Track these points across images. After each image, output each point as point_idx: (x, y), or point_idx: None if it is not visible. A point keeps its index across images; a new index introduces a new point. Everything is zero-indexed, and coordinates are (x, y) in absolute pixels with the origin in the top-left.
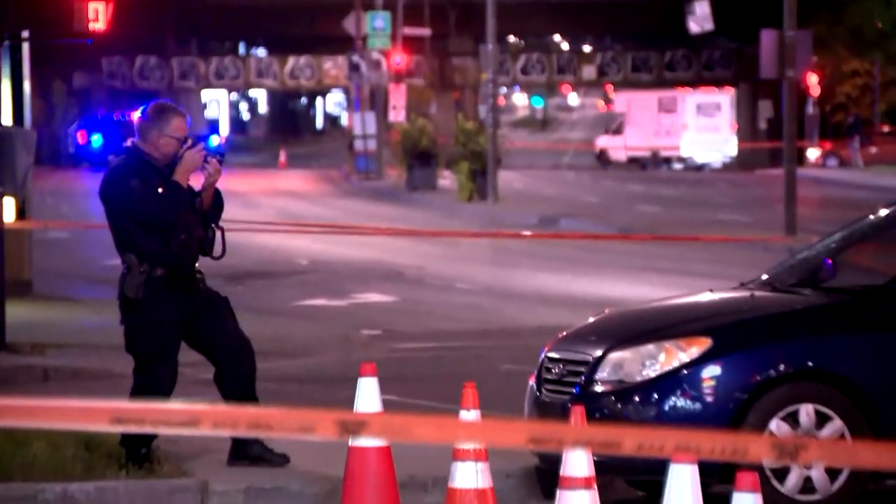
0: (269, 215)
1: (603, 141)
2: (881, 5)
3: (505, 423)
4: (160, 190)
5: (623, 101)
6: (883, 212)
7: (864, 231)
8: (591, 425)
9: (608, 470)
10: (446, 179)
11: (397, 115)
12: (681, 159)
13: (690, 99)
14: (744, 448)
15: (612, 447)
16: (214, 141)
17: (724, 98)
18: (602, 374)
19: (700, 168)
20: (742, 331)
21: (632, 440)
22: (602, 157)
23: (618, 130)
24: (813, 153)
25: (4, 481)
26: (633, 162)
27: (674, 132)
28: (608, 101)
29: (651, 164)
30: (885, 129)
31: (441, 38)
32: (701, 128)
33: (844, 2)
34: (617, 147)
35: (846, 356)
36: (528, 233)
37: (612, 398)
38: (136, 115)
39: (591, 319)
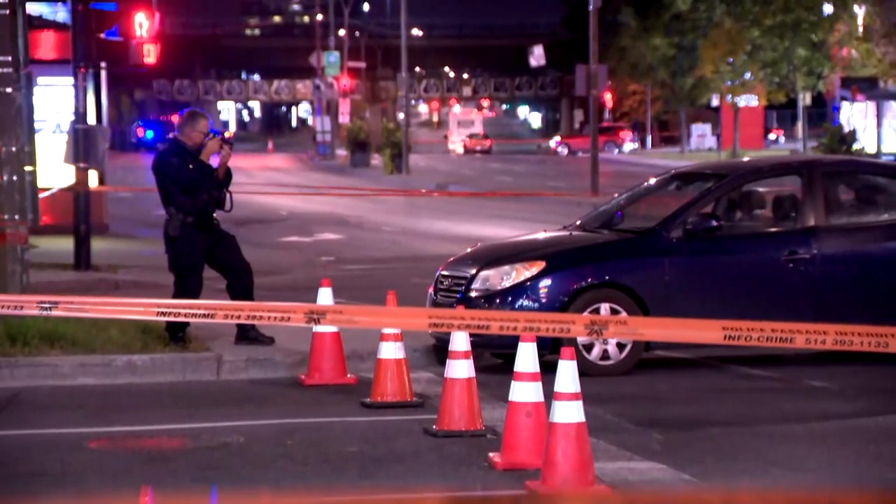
0: (262, 182)
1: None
2: (651, 49)
3: (414, 311)
4: (191, 166)
5: (451, 117)
6: (652, 181)
7: (640, 193)
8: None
9: (479, 346)
10: (376, 160)
11: (344, 118)
12: (455, 151)
13: (453, 117)
14: (568, 326)
15: (484, 328)
16: (226, 135)
17: (477, 116)
18: (476, 285)
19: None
20: (565, 256)
21: (496, 322)
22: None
23: (446, 136)
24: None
25: (90, 353)
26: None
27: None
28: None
29: (450, 153)
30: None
31: (372, 69)
32: (461, 134)
33: (627, 47)
34: (452, 143)
35: (629, 273)
36: (425, 190)
37: (483, 300)
38: (175, 117)
39: (469, 249)
